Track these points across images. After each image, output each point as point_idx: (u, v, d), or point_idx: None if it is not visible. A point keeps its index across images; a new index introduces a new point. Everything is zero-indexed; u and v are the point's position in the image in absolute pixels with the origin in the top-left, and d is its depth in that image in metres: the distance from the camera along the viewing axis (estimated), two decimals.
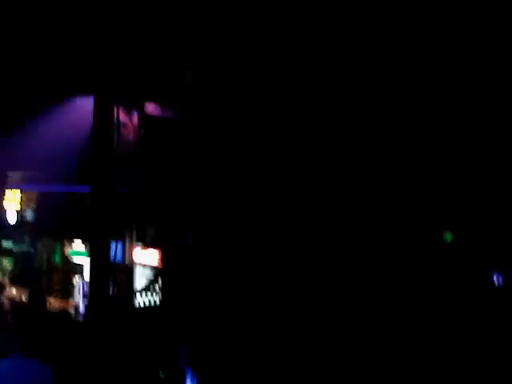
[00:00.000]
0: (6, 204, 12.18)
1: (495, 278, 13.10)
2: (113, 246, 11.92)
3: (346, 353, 7.76)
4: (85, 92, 8.49)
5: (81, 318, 11.40)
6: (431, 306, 10.54)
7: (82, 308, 11.79)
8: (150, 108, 9.22)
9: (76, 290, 12.30)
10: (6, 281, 12.92)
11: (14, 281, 13.04)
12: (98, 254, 6.45)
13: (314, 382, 7.43)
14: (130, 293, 10.32)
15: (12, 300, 12.28)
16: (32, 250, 13.60)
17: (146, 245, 11.31)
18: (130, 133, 8.83)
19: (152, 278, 11.21)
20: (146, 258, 11.21)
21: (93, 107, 8.17)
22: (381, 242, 10.84)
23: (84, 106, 9.44)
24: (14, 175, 11.11)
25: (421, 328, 9.75)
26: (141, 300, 11.29)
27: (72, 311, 11.66)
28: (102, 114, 6.26)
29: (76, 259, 12.47)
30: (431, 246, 11.73)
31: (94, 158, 6.36)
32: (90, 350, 6.85)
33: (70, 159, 9.54)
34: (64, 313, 10.90)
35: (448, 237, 11.60)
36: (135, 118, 8.94)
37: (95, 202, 6.38)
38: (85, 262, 12.30)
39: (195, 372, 7.47)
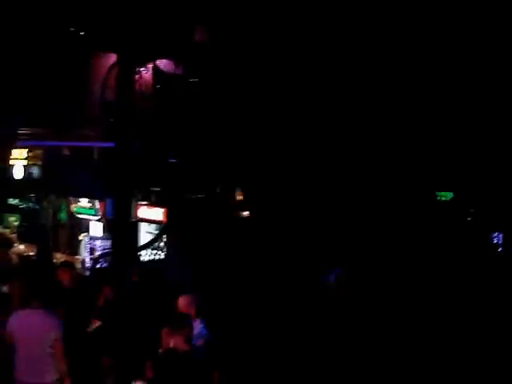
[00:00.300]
0: (13, 161, 12.30)
1: (495, 238, 13.30)
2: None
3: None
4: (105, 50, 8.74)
5: (87, 273, 11.65)
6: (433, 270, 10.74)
7: (88, 263, 12.06)
8: (164, 65, 9.35)
9: (82, 246, 12.55)
10: (14, 237, 13.14)
11: (22, 237, 13.27)
12: (121, 209, 6.61)
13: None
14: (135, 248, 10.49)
15: (20, 256, 12.54)
16: (38, 207, 13.78)
17: (152, 203, 11.48)
18: (146, 89, 8.95)
19: (157, 235, 11.42)
20: (151, 215, 11.39)
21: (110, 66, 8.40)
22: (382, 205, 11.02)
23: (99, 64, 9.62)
24: (22, 131, 11.20)
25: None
26: (145, 256, 11.55)
27: (79, 266, 11.90)
28: (124, 71, 6.36)
29: (82, 216, 12.67)
30: (431, 204, 11.90)
31: (119, 113, 6.47)
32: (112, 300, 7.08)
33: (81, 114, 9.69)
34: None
35: (449, 196, 11.77)
36: (150, 74, 9.06)
37: (120, 158, 6.51)
38: (90, 218, 12.51)
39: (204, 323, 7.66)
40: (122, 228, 6.56)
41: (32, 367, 6.12)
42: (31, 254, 12.61)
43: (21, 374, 6.14)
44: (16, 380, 6.15)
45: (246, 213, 10.69)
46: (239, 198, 10.64)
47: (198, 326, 6.70)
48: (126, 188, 6.55)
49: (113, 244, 6.89)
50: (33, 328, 6.16)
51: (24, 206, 13.84)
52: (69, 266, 8.74)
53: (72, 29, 9.12)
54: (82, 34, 9.11)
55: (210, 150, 9.86)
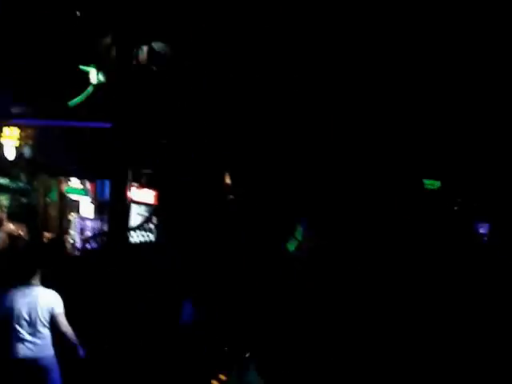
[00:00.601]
0: (4, 140, 12.28)
1: (480, 228, 13.46)
2: (108, 184, 12.19)
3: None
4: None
5: (77, 252, 11.72)
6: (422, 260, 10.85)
7: (78, 242, 12.13)
8: (159, 46, 9.38)
9: (72, 226, 12.61)
10: (4, 216, 13.15)
11: (12, 217, 13.28)
12: (118, 188, 6.72)
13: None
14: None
15: (10, 235, 12.57)
16: (29, 187, 13.78)
17: (142, 184, 11.55)
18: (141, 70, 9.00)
19: (147, 216, 11.50)
20: (141, 197, 11.46)
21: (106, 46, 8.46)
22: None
23: None
24: (13, 110, 11.19)
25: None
26: (135, 237, 11.62)
27: (69, 245, 11.98)
28: (121, 51, 6.42)
29: (72, 196, 12.72)
30: (419, 193, 12.02)
31: (118, 93, 6.55)
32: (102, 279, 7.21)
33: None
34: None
35: (436, 185, 11.89)
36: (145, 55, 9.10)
37: (117, 137, 6.60)
38: (81, 198, 12.56)
39: (192, 302, 7.78)
40: (118, 209, 6.67)
41: (29, 343, 6.23)
42: (21, 233, 12.65)
43: (18, 350, 6.24)
44: (13, 355, 6.24)
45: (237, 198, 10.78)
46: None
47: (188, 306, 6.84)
48: (124, 169, 6.64)
49: (109, 224, 7.01)
50: (32, 304, 6.26)
51: (14, 185, 13.82)
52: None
53: (72, 11, 9.13)
54: (77, 14, 9.11)
55: (202, 132, 9.94)
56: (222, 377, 5.76)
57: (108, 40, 9.20)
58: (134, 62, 7.51)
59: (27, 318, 6.19)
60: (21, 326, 6.21)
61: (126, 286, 7.22)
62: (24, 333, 6.20)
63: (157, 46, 9.30)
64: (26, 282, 6.38)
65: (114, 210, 6.86)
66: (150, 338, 5.73)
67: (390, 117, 10.97)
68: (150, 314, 7.38)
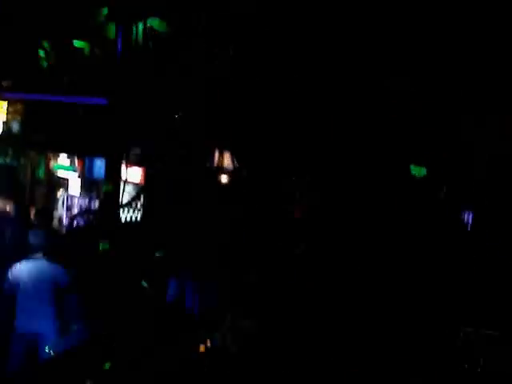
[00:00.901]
0: None
1: (465, 216, 13.60)
2: (97, 162, 12.20)
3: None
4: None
5: (63, 230, 11.74)
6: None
7: (65, 220, 12.14)
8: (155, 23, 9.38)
9: (59, 203, 12.61)
10: None
11: None
12: (113, 167, 6.78)
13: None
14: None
15: None
16: (16, 163, 13.73)
17: (130, 163, 11.54)
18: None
19: (134, 195, 11.52)
20: (129, 176, 11.47)
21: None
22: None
23: None
24: (2, 83, 11.12)
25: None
26: (123, 215, 11.64)
27: (56, 223, 11.99)
28: (119, 27, 6.45)
29: (60, 173, 12.70)
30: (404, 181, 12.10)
31: (115, 69, 6.55)
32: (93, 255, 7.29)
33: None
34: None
35: (421, 172, 11.97)
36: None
37: (113, 114, 6.62)
38: (69, 175, 12.55)
39: (177, 281, 7.87)
40: (113, 187, 6.72)
41: (34, 316, 6.27)
42: (7, 209, 12.63)
43: (22, 323, 6.28)
44: (17, 329, 6.28)
45: (224, 177, 10.82)
46: (219, 160, 10.75)
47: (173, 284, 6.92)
48: (120, 146, 6.68)
49: (101, 202, 7.05)
50: (38, 277, 6.30)
51: (1, 161, 13.76)
52: None
53: None
54: None
55: (194, 110, 9.95)
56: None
57: (102, 14, 9.16)
58: (131, 39, 7.50)
59: (32, 292, 6.23)
60: (25, 300, 6.24)
61: (116, 264, 7.28)
62: (29, 307, 6.24)
63: (153, 22, 9.29)
64: (27, 256, 6.44)
65: (107, 187, 6.91)
66: (139, 314, 5.81)
67: (376, 103, 11.01)
68: (138, 291, 7.46)
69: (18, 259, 6.99)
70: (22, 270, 6.47)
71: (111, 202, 6.96)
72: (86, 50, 9.56)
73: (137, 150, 11.32)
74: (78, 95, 9.60)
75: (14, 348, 6.26)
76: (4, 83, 11.05)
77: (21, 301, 6.35)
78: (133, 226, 10.92)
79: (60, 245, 10.38)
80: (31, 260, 6.52)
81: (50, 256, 6.70)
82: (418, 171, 11.94)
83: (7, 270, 6.66)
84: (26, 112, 11.90)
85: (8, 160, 13.67)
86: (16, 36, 9.99)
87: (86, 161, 12.20)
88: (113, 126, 6.92)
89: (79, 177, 12.37)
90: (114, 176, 6.84)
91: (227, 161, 10.67)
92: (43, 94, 9.90)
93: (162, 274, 8.44)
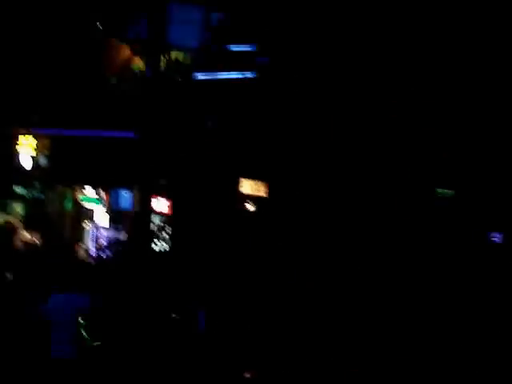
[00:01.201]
0: (20, 149, 12.40)
1: (494, 237, 13.40)
2: (123, 194, 12.29)
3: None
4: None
5: (91, 260, 11.80)
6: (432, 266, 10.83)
7: (92, 251, 12.22)
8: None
9: (87, 235, 12.71)
10: (20, 225, 13.28)
11: (27, 225, 13.42)
12: (143, 197, 6.86)
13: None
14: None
15: (26, 243, 12.70)
16: (43, 196, 13.91)
17: (156, 194, 11.61)
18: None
19: (161, 225, 11.56)
20: (155, 206, 11.53)
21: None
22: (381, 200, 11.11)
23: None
24: (32, 119, 11.33)
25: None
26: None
27: (83, 254, 12.07)
28: (149, 62, 6.58)
29: (87, 205, 12.82)
30: (432, 202, 12.00)
31: (144, 103, 6.68)
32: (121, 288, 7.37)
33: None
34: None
35: (449, 193, 11.87)
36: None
37: (143, 148, 6.73)
38: (95, 207, 12.67)
39: (206, 314, 7.86)
40: (143, 218, 6.77)
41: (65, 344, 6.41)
42: (36, 241, 12.77)
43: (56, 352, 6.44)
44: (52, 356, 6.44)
45: (251, 206, 10.83)
46: (245, 190, 10.75)
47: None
48: (149, 179, 6.74)
49: (133, 233, 7.11)
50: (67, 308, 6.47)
51: (30, 194, 13.96)
52: None
53: (95, 22, 9.26)
54: (98, 25, 9.24)
55: (217, 143, 10.01)
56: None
57: (128, 50, 9.31)
58: (159, 72, 7.61)
59: (61, 321, 6.36)
60: (57, 328, 6.39)
61: (146, 294, 7.31)
62: (59, 335, 6.37)
63: (178, 55, 9.41)
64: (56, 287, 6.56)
65: (138, 218, 6.97)
66: (170, 344, 5.83)
67: (403, 125, 10.98)
68: (169, 321, 7.47)
69: (48, 291, 7.10)
70: (53, 301, 6.59)
71: (142, 233, 7.00)
72: (114, 84, 9.69)
73: (163, 181, 11.39)
74: (104, 129, 9.73)
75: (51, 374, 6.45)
76: (33, 118, 11.26)
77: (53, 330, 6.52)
78: (162, 256, 10.96)
79: (88, 276, 10.49)
80: (60, 291, 6.62)
81: (78, 287, 6.79)
82: (444, 193, 11.86)
83: (40, 301, 6.79)
84: (52, 146, 12.08)
85: (36, 193, 13.87)
86: (44, 72, 10.18)
87: (112, 192, 12.32)
88: (141, 158, 6.99)
89: (106, 208, 12.48)
90: (143, 207, 6.89)
91: (254, 189, 10.70)
92: (70, 128, 10.06)
93: (192, 305, 8.43)
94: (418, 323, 9.02)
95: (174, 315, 8.18)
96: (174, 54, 9.46)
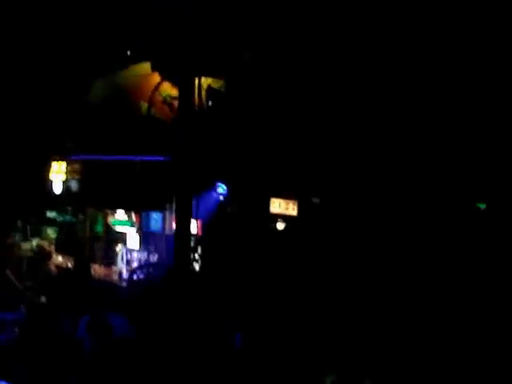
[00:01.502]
0: (52, 175, 12.61)
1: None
2: (153, 216, 12.39)
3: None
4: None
5: (124, 284, 11.88)
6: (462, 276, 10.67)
7: (124, 274, 12.29)
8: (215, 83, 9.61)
9: (119, 258, 12.80)
10: (52, 249, 13.47)
11: (59, 249, 13.60)
12: (182, 221, 6.96)
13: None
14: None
15: (58, 267, 12.86)
16: (75, 220, 14.08)
17: None
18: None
19: (192, 246, 11.59)
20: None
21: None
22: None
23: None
24: (67, 146, 11.54)
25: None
26: None
27: (115, 277, 12.17)
28: (183, 88, 6.71)
29: (118, 228, 12.93)
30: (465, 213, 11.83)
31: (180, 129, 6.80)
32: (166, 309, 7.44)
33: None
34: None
35: (481, 205, 11.71)
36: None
37: (178, 171, 6.84)
38: (127, 230, 12.77)
39: (243, 335, 7.85)
40: (183, 239, 6.84)
41: None
42: (69, 265, 12.93)
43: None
44: None
45: (281, 225, 10.80)
46: (276, 209, 10.74)
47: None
48: (186, 200, 6.83)
49: (174, 255, 7.18)
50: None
51: (62, 218, 14.15)
52: None
53: (126, 51, 9.45)
54: (128, 53, 9.43)
55: (247, 163, 10.05)
56: None
57: (157, 75, 9.43)
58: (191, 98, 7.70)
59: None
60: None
61: (183, 315, 7.34)
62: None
63: (213, 82, 9.50)
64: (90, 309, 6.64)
65: (178, 240, 7.05)
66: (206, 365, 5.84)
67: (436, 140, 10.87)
68: (204, 342, 7.48)
69: (81, 313, 7.18)
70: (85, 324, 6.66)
71: (181, 255, 7.08)
72: (144, 110, 9.84)
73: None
74: (135, 154, 9.86)
75: None
76: (68, 145, 11.47)
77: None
78: (193, 277, 10.97)
79: (121, 298, 10.55)
80: (93, 314, 6.69)
81: (112, 309, 6.87)
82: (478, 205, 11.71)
83: (73, 324, 6.86)
84: (83, 170, 12.26)
85: (67, 217, 14.07)
86: (74, 100, 10.38)
87: (143, 215, 12.42)
88: (175, 181, 7.07)
89: (137, 231, 12.57)
90: (181, 229, 6.96)
91: (286, 208, 10.68)
92: (102, 154, 10.21)
93: (228, 325, 8.42)
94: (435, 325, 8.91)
95: (209, 335, 8.17)
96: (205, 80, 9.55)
